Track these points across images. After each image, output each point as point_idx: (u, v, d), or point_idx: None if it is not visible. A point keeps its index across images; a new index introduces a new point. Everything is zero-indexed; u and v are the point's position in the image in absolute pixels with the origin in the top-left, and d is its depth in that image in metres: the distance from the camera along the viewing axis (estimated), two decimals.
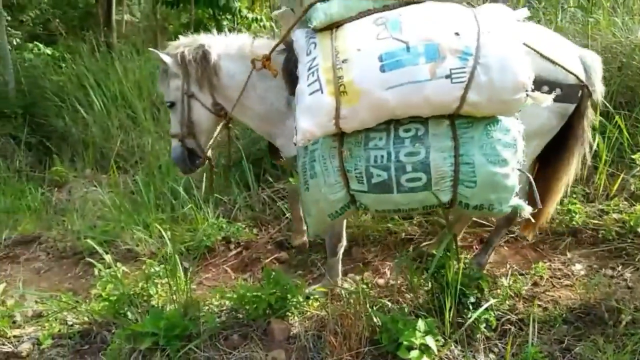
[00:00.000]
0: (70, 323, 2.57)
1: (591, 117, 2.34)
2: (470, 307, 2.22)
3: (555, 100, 1.81)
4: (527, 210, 1.88)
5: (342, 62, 1.75)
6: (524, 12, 1.91)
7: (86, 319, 2.56)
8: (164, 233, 2.90)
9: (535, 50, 2.02)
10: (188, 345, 2.19)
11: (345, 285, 2.62)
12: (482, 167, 1.78)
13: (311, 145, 1.98)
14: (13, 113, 5.21)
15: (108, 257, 2.61)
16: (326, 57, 1.79)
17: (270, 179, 3.95)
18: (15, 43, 7.97)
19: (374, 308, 2.28)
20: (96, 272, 2.70)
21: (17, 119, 5.13)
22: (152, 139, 4.92)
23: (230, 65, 2.37)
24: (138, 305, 2.46)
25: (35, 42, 8.31)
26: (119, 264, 2.74)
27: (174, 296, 2.52)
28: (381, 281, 2.74)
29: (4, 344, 2.44)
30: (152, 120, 5.26)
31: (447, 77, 1.69)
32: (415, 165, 1.81)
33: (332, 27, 1.87)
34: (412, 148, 1.81)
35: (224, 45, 2.41)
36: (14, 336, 2.51)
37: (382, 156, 1.84)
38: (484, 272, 2.51)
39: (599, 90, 2.23)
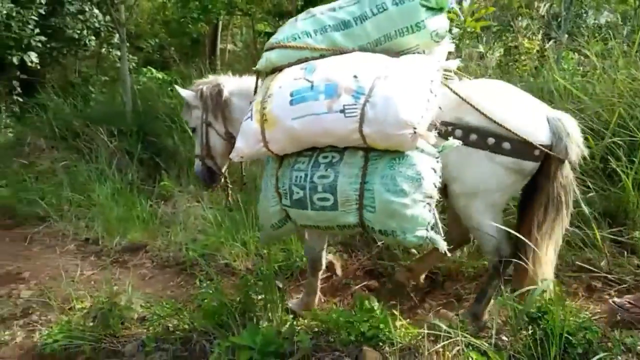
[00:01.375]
0: (171, 329, 2.72)
1: (566, 178, 2.30)
2: (577, 358, 2.09)
3: (504, 153, 2.14)
4: (441, 245, 2.00)
5: (268, 96, 2.16)
6: (454, 63, 2.29)
7: (186, 326, 2.70)
8: (260, 251, 3.03)
9: (471, 105, 2.19)
10: None
11: (437, 320, 2.56)
12: (380, 194, 1.98)
13: (265, 169, 2.38)
14: (129, 131, 5.70)
15: (210, 270, 2.75)
16: (261, 93, 2.24)
17: None
18: (131, 67, 8.77)
19: (470, 348, 2.21)
20: (197, 283, 2.87)
21: (132, 137, 5.60)
22: (250, 161, 5.15)
23: (238, 101, 2.73)
24: (236, 318, 2.56)
25: (149, 67, 9.09)
26: (218, 277, 2.88)
27: (270, 313, 2.61)
28: None
29: (112, 343, 2.64)
30: None
31: (341, 111, 1.97)
32: (324, 187, 2.07)
33: (275, 70, 2.32)
34: (324, 172, 2.09)
35: (235, 85, 2.79)
36: (122, 336, 2.71)
37: (301, 177, 2.14)
38: (594, 323, 2.35)
39: (573, 153, 2.23)
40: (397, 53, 2.23)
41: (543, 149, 2.19)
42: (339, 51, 2.25)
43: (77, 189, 4.79)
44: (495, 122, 2.17)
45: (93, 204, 4.56)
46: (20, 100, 8.20)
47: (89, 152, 5.45)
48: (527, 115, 2.25)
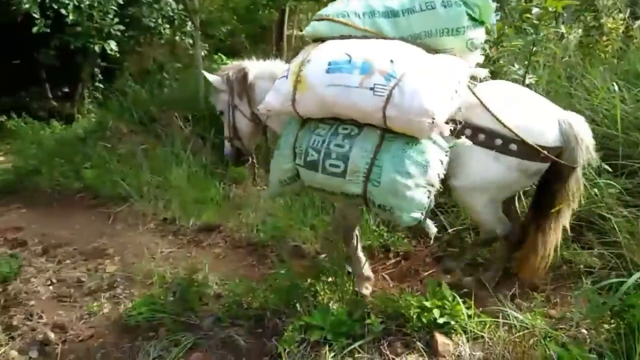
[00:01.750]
0: (245, 307, 2.84)
1: (577, 177, 2.41)
2: None
3: (510, 154, 2.28)
4: (430, 229, 2.24)
5: (307, 61, 2.31)
6: (484, 72, 2.44)
7: (260, 304, 2.80)
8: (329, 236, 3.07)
9: (484, 105, 2.30)
10: (353, 345, 2.28)
11: (512, 311, 2.50)
12: (387, 172, 2.14)
13: (285, 128, 2.52)
14: (202, 116, 5.90)
15: (281, 251, 2.83)
16: (300, 56, 2.40)
17: None
18: (203, 54, 9.04)
19: (547, 339, 2.15)
20: (269, 263, 2.96)
21: (205, 121, 5.80)
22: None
23: (263, 84, 2.79)
24: (307, 299, 2.62)
25: (219, 54, 9.33)
26: (289, 258, 2.96)
27: (340, 295, 2.65)
28: (553, 312, 2.57)
29: (191, 317, 2.78)
30: None
31: (371, 89, 2.11)
32: (338, 155, 2.25)
33: (320, 40, 2.49)
34: (341, 142, 2.26)
35: (260, 69, 2.89)
36: (200, 311, 2.85)
37: (319, 141, 2.31)
38: None
39: (581, 158, 2.33)
40: (433, 50, 2.35)
41: (545, 153, 2.29)
42: (381, 36, 2.39)
43: (156, 171, 5.04)
44: (503, 124, 2.28)
45: (170, 186, 4.78)
46: (102, 86, 8.70)
47: (165, 136, 5.70)
48: (536, 119, 2.34)
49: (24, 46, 8.65)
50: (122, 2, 8.19)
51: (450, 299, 2.40)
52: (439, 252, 3.46)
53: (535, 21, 3.66)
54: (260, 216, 4.09)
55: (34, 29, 7.16)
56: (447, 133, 2.15)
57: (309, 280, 2.80)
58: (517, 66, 3.99)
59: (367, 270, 2.90)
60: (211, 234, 4.07)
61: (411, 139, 2.15)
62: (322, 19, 2.50)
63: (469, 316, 2.39)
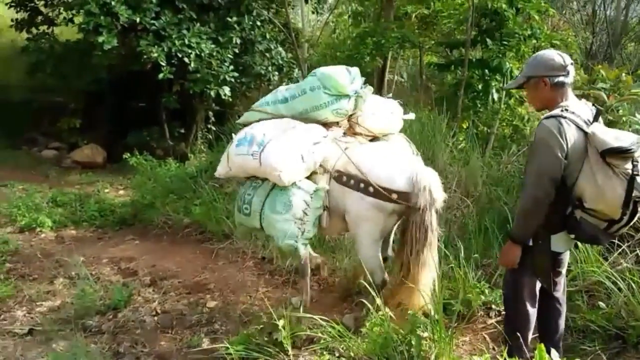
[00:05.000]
0: (337, 355, 2.79)
1: (430, 220, 2.84)
2: None
3: (370, 195, 2.90)
4: (301, 252, 3.01)
5: (231, 141, 3.29)
6: (338, 132, 3.22)
7: (352, 354, 2.74)
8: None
9: (347, 156, 3.04)
10: None
11: None
12: (266, 210, 3.03)
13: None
14: None
15: (378, 300, 2.76)
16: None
17: None
18: None
19: None
20: (364, 312, 2.90)
21: None
22: None
23: None
24: (404, 352, 2.52)
25: None
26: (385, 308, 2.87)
27: (436, 349, 2.52)
28: None
29: None
30: None
31: (251, 155, 3.00)
32: (246, 200, 3.15)
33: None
34: (249, 191, 3.16)
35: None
36: (293, 355, 2.85)
37: (241, 192, 3.25)
38: None
39: (422, 202, 2.80)
40: (315, 121, 3.16)
41: (385, 193, 2.88)
42: (279, 116, 3.22)
43: None
44: (360, 171, 2.95)
45: None
46: (214, 128, 9.35)
47: None
48: (391, 169, 2.94)
49: (150, 91, 9.61)
50: (237, 52, 8.86)
51: None
52: None
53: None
54: (355, 261, 4.05)
55: (160, 76, 7.96)
56: (298, 178, 2.98)
57: (404, 334, 2.69)
58: (638, 116, 3.70)
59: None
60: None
61: (283, 187, 2.98)
62: (252, 110, 3.38)
63: None
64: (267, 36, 9.64)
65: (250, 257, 4.59)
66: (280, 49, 9.77)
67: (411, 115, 3.66)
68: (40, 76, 10.07)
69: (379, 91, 9.48)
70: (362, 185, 2.92)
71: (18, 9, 10.43)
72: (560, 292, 2.69)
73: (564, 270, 2.68)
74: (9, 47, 13.23)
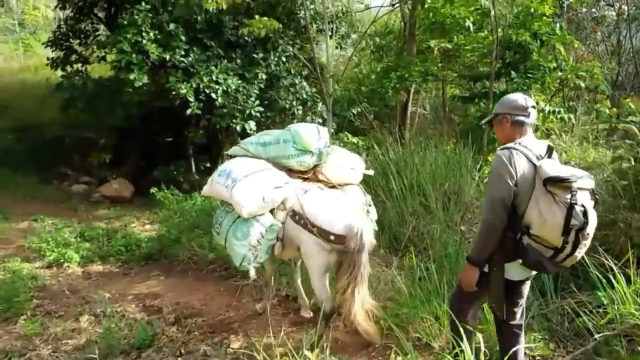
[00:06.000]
0: None
1: (360, 260, 3.27)
2: None
3: (314, 234, 3.38)
4: (251, 274, 3.58)
5: (216, 170, 3.86)
6: (297, 181, 3.76)
7: None
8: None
9: (299, 200, 3.54)
10: None
11: None
12: (229, 235, 3.55)
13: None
14: None
15: (405, 344, 2.68)
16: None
17: (573, 287, 3.54)
18: (331, 132, 9.48)
19: None
20: (392, 356, 2.81)
21: None
22: (440, 228, 5.06)
23: None
24: None
25: (345, 132, 9.72)
26: (414, 353, 2.79)
27: None
28: None
29: None
30: (443, 210, 5.42)
31: (226, 187, 3.54)
32: (218, 222, 3.72)
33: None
34: (222, 214, 3.71)
35: None
36: None
37: (218, 212, 3.84)
38: None
39: (352, 244, 3.26)
40: (283, 167, 3.75)
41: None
42: (258, 157, 3.81)
43: None
44: (304, 213, 3.46)
45: (294, 263, 4.89)
46: None
47: None
48: (333, 214, 3.40)
49: (177, 125, 9.82)
50: (262, 87, 9.02)
51: None
52: (582, 358, 3.05)
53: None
54: (381, 301, 3.96)
55: (188, 111, 8.14)
56: (257, 213, 3.49)
57: None
58: None
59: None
60: (331, 316, 4.02)
61: (245, 218, 3.48)
62: (239, 146, 3.97)
63: None
64: (292, 71, 9.82)
65: (274, 295, 4.53)
66: (304, 83, 9.91)
67: (370, 172, 4.28)
68: (73, 112, 10.43)
69: (402, 123, 9.52)
70: (308, 225, 3.41)
71: (54, 48, 10.91)
72: (517, 320, 2.85)
73: (522, 301, 2.83)
74: (43, 85, 13.79)
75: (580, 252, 2.47)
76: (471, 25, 7.06)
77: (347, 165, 3.99)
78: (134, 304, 4.64)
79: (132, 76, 7.77)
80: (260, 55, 9.09)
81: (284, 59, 9.58)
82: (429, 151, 6.40)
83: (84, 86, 9.73)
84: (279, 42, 9.39)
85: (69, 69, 10.42)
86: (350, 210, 3.50)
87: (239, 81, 8.58)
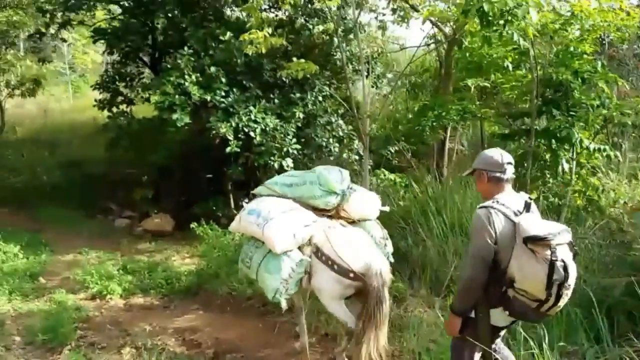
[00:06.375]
0: None
1: (380, 296, 3.44)
2: None
3: (334, 271, 3.60)
4: (282, 305, 3.69)
5: (243, 209, 4.17)
6: (324, 220, 3.97)
7: None
8: None
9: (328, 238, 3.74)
10: None
11: None
12: (261, 269, 3.77)
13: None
14: None
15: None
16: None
17: (630, 335, 3.37)
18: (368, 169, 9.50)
19: None
20: None
21: None
22: None
23: None
24: None
25: (382, 169, 9.72)
26: None
27: None
28: None
29: None
30: None
31: (257, 225, 3.75)
32: (248, 256, 3.94)
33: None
34: (252, 249, 3.94)
35: None
36: None
37: (245, 248, 4.07)
38: None
39: (374, 280, 3.46)
40: (310, 207, 3.96)
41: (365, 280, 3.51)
42: (283, 196, 4.02)
43: None
44: (326, 252, 3.66)
45: None
46: None
47: None
48: (353, 254, 3.59)
49: (216, 162, 10.05)
50: (300, 125, 9.19)
51: None
52: None
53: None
54: (423, 342, 3.87)
55: (228, 149, 8.34)
56: (288, 249, 3.68)
57: None
58: None
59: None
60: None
61: (275, 254, 3.67)
62: (264, 186, 4.21)
63: None
64: (329, 110, 9.97)
65: (313, 332, 4.49)
66: (340, 121, 10.03)
67: (386, 208, 4.49)
68: (118, 151, 10.85)
69: (440, 160, 9.46)
70: (330, 262, 3.62)
71: (101, 90, 11.48)
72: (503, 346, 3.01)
73: (502, 332, 2.95)
74: (91, 125, 14.45)
75: (563, 301, 2.57)
76: (510, 65, 7.05)
77: (366, 202, 4.20)
78: (173, 338, 4.67)
79: (174, 116, 8.06)
80: (298, 95, 9.30)
81: (320, 98, 9.75)
82: (469, 189, 6.33)
83: (128, 126, 10.16)
84: (316, 82, 9.60)
85: (114, 109, 10.91)
86: (368, 249, 3.75)
87: (277, 120, 8.76)
